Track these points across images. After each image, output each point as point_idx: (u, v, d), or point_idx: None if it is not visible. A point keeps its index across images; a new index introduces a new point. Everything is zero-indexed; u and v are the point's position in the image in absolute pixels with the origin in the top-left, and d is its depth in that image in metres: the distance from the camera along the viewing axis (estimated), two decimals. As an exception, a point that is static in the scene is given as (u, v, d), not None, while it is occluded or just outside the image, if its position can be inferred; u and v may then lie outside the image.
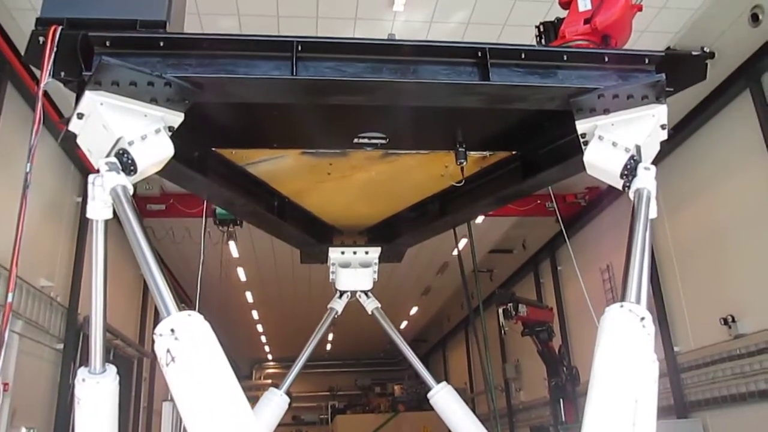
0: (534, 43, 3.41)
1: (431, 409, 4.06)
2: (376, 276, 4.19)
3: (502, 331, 13.92)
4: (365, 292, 4.20)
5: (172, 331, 2.16)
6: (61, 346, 10.77)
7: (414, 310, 25.52)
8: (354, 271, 4.15)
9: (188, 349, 2.16)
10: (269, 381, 32.47)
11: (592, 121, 2.79)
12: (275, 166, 3.62)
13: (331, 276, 4.21)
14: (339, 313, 4.23)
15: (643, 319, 2.33)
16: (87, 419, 2.48)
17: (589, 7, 3.05)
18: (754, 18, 8.82)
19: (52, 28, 2.47)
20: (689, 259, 11.51)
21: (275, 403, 3.96)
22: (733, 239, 10.38)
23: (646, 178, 2.65)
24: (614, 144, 2.72)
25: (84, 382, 2.49)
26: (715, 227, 10.83)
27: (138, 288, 15.89)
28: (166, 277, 2.32)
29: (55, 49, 2.45)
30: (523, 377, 19.39)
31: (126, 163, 2.47)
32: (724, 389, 10.50)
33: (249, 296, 22.68)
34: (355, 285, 4.17)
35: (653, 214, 2.63)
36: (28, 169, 2.39)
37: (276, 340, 30.48)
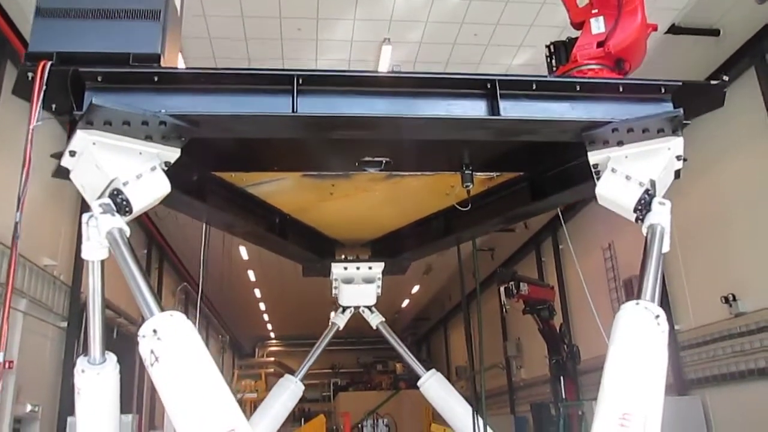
0: (543, 55, 3.29)
1: None
2: (379, 291, 4.12)
3: (504, 310, 13.90)
4: (369, 307, 4.15)
5: (155, 331, 2.17)
6: (65, 324, 10.77)
7: (416, 288, 25.47)
8: (357, 286, 4.08)
9: (171, 348, 2.17)
10: (272, 359, 32.85)
11: (605, 153, 2.68)
12: (276, 187, 3.53)
13: (333, 291, 4.14)
14: (341, 328, 4.19)
15: (657, 317, 2.35)
16: (87, 410, 2.46)
17: (602, 29, 2.90)
18: (760, -5, 8.56)
19: (41, 63, 2.35)
20: (692, 237, 11.40)
21: (291, 390, 4.05)
22: (736, 218, 10.26)
23: (660, 214, 2.56)
24: (628, 177, 2.62)
25: (84, 373, 2.46)
26: (717, 206, 10.71)
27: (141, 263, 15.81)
28: (150, 286, 2.31)
29: (44, 86, 2.34)
30: (524, 355, 19.44)
31: (120, 203, 2.38)
32: (724, 367, 10.48)
33: (251, 275, 22.63)
34: (359, 300, 4.12)
35: (666, 248, 2.54)
36: (17, 219, 2.30)
37: (278, 318, 30.47)
